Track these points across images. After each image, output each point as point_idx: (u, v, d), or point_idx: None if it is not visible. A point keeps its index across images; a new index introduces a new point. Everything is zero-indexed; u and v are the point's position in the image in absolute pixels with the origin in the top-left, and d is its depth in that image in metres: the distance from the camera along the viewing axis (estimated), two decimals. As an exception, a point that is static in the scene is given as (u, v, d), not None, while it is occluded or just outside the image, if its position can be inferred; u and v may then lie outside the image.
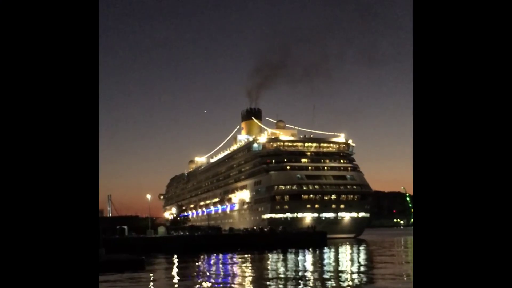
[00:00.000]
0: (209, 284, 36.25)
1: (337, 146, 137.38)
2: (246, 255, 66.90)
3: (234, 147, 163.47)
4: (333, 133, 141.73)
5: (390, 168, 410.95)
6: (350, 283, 36.14)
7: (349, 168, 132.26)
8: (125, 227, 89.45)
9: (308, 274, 42.80)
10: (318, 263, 56.33)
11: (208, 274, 44.45)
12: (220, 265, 54.23)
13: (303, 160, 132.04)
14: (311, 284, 35.37)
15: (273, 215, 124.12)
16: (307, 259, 61.98)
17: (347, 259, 63.29)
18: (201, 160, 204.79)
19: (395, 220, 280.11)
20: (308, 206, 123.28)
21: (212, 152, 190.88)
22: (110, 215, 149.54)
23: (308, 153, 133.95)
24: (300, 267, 50.21)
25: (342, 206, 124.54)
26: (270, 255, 67.45)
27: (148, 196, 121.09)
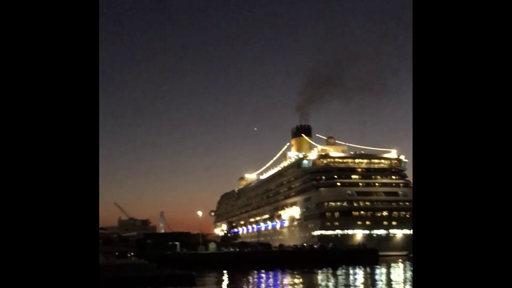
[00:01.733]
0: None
1: (389, 162, 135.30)
2: (296, 272, 66.58)
3: (284, 164, 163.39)
4: (385, 149, 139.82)
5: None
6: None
7: (401, 184, 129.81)
8: (177, 243, 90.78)
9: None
10: (370, 281, 55.47)
11: (258, 290, 44.44)
12: (270, 282, 54.17)
13: (353, 176, 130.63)
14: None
15: (323, 232, 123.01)
16: (358, 277, 61.13)
17: (399, 277, 62.02)
18: (251, 177, 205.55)
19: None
20: (359, 222, 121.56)
21: (262, 169, 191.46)
22: (163, 231, 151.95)
23: (359, 169, 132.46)
24: (351, 285, 49.59)
25: (394, 223, 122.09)
26: (320, 272, 66.87)
27: (199, 213, 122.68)
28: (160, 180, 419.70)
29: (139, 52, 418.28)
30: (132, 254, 70.60)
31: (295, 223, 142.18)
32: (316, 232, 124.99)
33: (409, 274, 67.08)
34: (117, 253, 64.28)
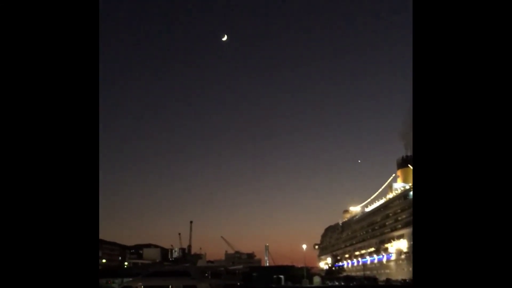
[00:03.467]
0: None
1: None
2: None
3: (390, 195, 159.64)
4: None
5: None
6: None
7: None
8: (282, 276, 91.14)
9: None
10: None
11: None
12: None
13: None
14: None
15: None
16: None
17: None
18: (355, 209, 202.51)
19: None
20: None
21: (367, 201, 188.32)
22: (267, 264, 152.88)
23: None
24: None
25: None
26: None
27: (304, 246, 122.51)
28: (265, 213, 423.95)
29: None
30: (239, 284, 71.94)
31: (403, 256, 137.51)
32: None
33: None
34: (224, 285, 65.77)
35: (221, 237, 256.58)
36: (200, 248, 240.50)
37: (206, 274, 63.20)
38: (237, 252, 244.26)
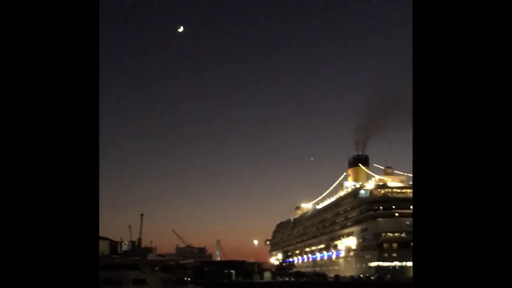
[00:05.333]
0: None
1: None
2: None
3: (341, 193, 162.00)
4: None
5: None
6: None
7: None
8: (233, 271, 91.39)
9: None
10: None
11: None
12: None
13: (412, 207, 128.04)
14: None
15: (381, 263, 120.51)
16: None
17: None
18: (307, 206, 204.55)
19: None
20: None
21: (318, 198, 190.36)
22: (219, 259, 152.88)
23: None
24: (408, 318, 48.55)
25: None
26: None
27: (255, 242, 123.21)
28: (217, 209, 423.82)
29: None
30: (189, 279, 71.64)
31: (352, 253, 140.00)
32: (373, 263, 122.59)
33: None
34: (174, 279, 65.41)
35: (173, 231, 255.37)
36: (151, 242, 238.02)
37: (157, 268, 62.62)
38: (188, 246, 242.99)
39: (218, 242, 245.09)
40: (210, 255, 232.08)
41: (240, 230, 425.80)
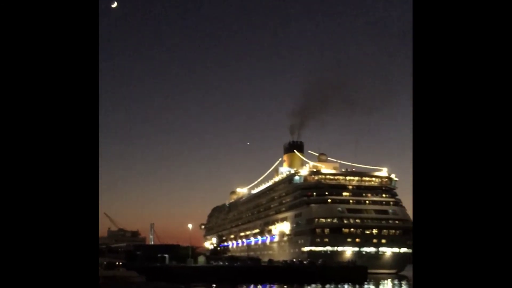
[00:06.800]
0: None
1: (379, 180, 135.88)
2: (284, 287, 66.63)
3: (276, 179, 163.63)
4: (376, 167, 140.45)
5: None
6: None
7: (391, 203, 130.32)
8: (166, 255, 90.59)
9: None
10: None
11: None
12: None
13: (344, 193, 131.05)
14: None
15: (313, 248, 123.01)
16: (346, 294, 61.26)
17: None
18: (242, 191, 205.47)
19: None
20: (349, 240, 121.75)
21: (253, 183, 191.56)
22: (152, 243, 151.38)
23: (350, 187, 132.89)
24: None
25: (383, 241, 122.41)
26: (308, 288, 66.94)
27: (190, 226, 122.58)
28: (151, 192, 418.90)
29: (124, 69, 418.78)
30: (121, 264, 70.43)
31: (285, 238, 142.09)
32: (306, 248, 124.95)
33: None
34: (105, 263, 64.09)
35: (104, 213, 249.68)
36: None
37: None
38: (120, 230, 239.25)
39: (152, 225, 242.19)
40: (144, 239, 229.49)
41: (175, 214, 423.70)
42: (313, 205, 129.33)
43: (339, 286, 73.77)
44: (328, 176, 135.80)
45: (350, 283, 78.79)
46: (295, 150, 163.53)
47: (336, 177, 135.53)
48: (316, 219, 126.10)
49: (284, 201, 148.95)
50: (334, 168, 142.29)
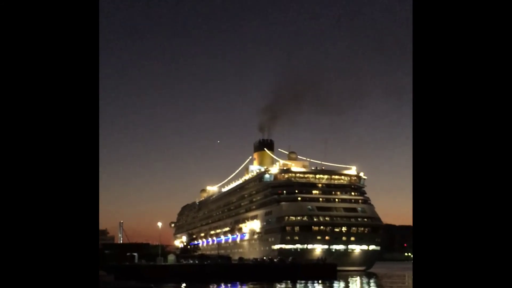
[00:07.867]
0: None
1: (349, 179, 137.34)
2: (255, 286, 66.87)
3: (246, 177, 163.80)
4: (345, 166, 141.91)
5: (402, 202, 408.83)
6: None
7: (360, 201, 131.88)
8: (135, 254, 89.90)
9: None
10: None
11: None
12: (229, 295, 54.30)
13: (314, 191, 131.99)
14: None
15: (283, 246, 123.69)
16: (316, 291, 61.77)
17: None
18: (212, 189, 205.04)
19: (406, 254, 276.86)
20: (319, 237, 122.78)
21: (224, 181, 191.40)
22: (121, 241, 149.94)
23: (320, 185, 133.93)
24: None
25: (352, 238, 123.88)
26: (279, 286, 67.33)
27: (159, 224, 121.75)
28: (119, 190, 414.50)
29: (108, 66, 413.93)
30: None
31: (256, 236, 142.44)
32: (276, 246, 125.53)
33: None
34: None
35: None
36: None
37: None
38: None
39: (121, 224, 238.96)
40: (112, 238, 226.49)
41: (144, 212, 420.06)
42: (283, 203, 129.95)
43: (309, 283, 74.38)
44: (298, 175, 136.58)
45: (319, 281, 79.51)
46: (265, 148, 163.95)
47: (306, 176, 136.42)
48: (286, 217, 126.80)
49: (254, 199, 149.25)
50: (304, 167, 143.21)
